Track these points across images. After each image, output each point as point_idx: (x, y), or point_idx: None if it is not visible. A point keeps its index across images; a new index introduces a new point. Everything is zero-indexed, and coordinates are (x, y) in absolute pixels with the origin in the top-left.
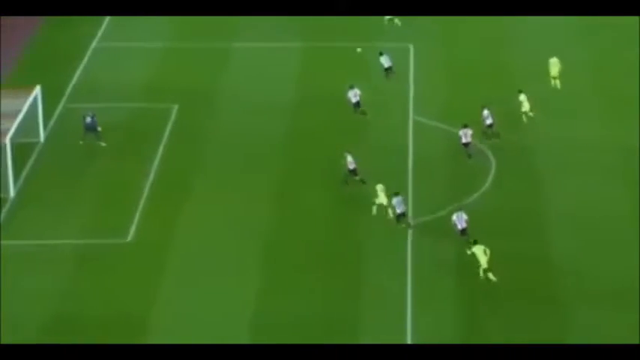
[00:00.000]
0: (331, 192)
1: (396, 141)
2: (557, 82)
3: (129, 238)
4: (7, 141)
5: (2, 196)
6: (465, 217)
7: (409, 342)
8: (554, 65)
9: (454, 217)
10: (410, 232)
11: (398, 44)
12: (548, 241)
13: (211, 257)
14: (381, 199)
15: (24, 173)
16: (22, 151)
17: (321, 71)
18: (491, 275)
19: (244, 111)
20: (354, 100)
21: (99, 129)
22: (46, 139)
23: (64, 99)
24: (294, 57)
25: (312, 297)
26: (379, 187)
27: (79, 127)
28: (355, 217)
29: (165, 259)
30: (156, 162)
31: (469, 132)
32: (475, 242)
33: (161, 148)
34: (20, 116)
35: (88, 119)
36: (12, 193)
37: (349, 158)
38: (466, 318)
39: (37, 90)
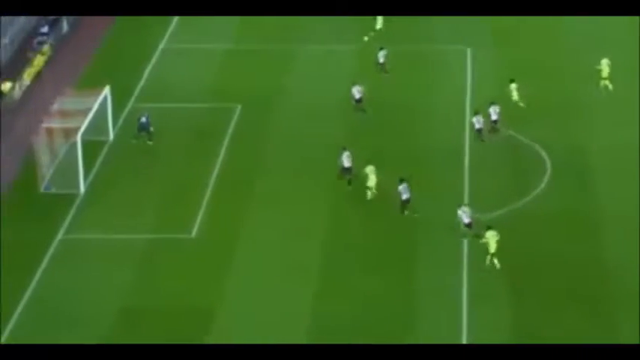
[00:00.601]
0: (389, 192)
1: (452, 141)
2: (608, 83)
3: (193, 234)
4: (78, 138)
5: (73, 192)
6: (469, 211)
7: (464, 342)
8: (605, 66)
9: (459, 211)
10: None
11: (455, 47)
12: (601, 243)
13: (271, 256)
14: (372, 181)
15: (93, 170)
16: (92, 148)
17: (379, 73)
18: (496, 261)
19: (306, 112)
20: (357, 96)
21: (151, 129)
22: (115, 137)
23: (132, 99)
24: (355, 59)
25: (369, 297)
26: (369, 169)
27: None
28: (412, 218)
29: (228, 255)
30: (219, 161)
31: (481, 119)
32: (489, 228)
33: (224, 148)
34: (90, 115)
35: (143, 119)
36: (82, 189)
37: (345, 155)
38: (519, 318)
39: (107, 90)
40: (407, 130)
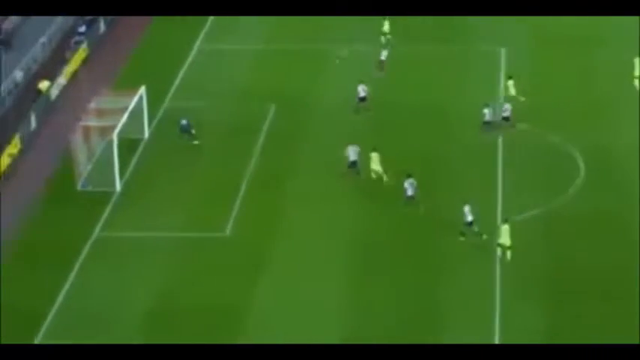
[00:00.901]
0: (420, 193)
1: (485, 142)
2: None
3: (227, 233)
4: (115, 137)
5: (109, 190)
6: (470, 210)
7: (497, 342)
8: (638, 65)
9: (465, 209)
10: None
11: (490, 47)
12: (635, 244)
13: (304, 255)
14: (375, 165)
15: (129, 168)
16: (127, 147)
17: (414, 74)
18: (509, 254)
19: (339, 112)
20: (362, 94)
21: (192, 131)
22: (150, 136)
23: (168, 98)
24: (390, 59)
25: (401, 297)
26: (374, 155)
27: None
28: (446, 219)
29: (262, 254)
30: (253, 160)
31: (490, 111)
32: (506, 221)
33: (258, 147)
34: (127, 114)
35: (184, 122)
36: (118, 187)
37: (352, 150)
38: (552, 319)
39: (143, 89)
40: (439, 131)
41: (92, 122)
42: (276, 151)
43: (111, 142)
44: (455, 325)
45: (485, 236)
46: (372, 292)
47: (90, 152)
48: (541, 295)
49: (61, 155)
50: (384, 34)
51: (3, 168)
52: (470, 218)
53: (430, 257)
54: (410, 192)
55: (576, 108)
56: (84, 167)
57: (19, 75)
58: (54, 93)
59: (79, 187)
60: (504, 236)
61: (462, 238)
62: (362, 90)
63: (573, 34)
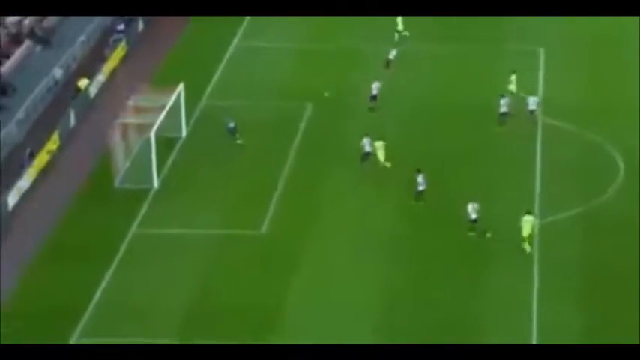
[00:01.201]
0: (457, 194)
1: (525, 142)
2: None
3: (263, 230)
4: (152, 134)
5: (146, 187)
6: (478, 208)
7: (534, 342)
8: None
9: (469, 207)
10: (536, 232)
11: (529, 47)
12: None
13: (340, 254)
14: (381, 156)
15: (166, 166)
16: (165, 145)
17: (452, 75)
18: (527, 245)
19: (376, 112)
20: (374, 92)
21: (237, 135)
22: (188, 134)
23: (205, 96)
24: (430, 59)
25: (437, 298)
26: (379, 144)
27: (218, 123)
28: (481, 216)
29: (297, 252)
30: (290, 158)
31: (507, 101)
32: (529, 213)
33: (295, 145)
34: (164, 112)
35: (231, 125)
36: (155, 184)
37: (366, 141)
38: (589, 319)
39: (181, 87)
40: (477, 131)
41: (130, 120)
42: (313, 149)
43: (148, 140)
44: (492, 326)
45: (489, 234)
46: (410, 291)
47: (128, 150)
48: (578, 295)
49: (100, 153)
50: (399, 32)
51: (42, 165)
52: (474, 216)
53: (468, 257)
54: (421, 187)
55: (616, 108)
56: (122, 164)
57: (58, 73)
58: (93, 91)
59: (116, 185)
60: (525, 227)
61: (471, 233)
62: (375, 88)
63: (614, 33)
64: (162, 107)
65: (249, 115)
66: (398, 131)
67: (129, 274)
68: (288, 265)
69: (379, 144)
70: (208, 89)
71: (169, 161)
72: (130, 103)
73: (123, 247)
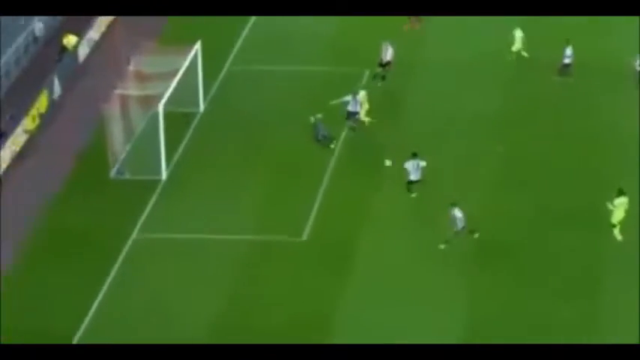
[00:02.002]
0: (559, 187)
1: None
2: None
3: (304, 237)
4: (160, 109)
5: (152, 178)
6: (462, 216)
7: None
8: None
9: (453, 212)
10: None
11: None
12: None
13: (390, 265)
14: (364, 107)
15: (179, 151)
16: (177, 123)
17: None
18: (618, 233)
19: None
20: (387, 58)
21: (325, 133)
22: (206, 109)
23: (230, 59)
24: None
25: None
26: (361, 95)
27: (246, 95)
28: (587, 214)
29: (344, 260)
30: (338, 142)
31: (570, 52)
32: (621, 193)
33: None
34: (176, 79)
35: (322, 131)
36: (164, 175)
37: (352, 99)
38: None
39: (197, 47)
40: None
41: (131, 90)
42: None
43: (156, 117)
44: (605, 326)
45: (476, 234)
46: (488, 290)
47: (128, 129)
48: None
49: (91, 132)
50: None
51: (18, 147)
52: (460, 225)
53: (575, 255)
54: (413, 176)
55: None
56: (120, 149)
57: (38, 27)
58: (82, 51)
59: (112, 175)
60: (617, 212)
61: (476, 235)
62: (387, 52)
63: None
64: (174, 73)
65: (287, 83)
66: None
67: (128, 292)
68: (335, 275)
69: (362, 94)
70: (234, 49)
71: (182, 144)
72: (131, 68)
73: (121, 257)
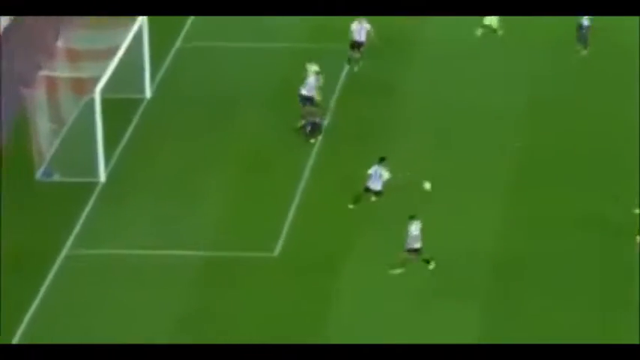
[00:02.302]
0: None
1: None
2: None
3: (276, 253)
4: (97, 95)
5: (88, 180)
6: (418, 234)
7: None
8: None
9: (412, 227)
10: None
11: None
12: None
13: (377, 285)
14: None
15: (120, 146)
16: (118, 112)
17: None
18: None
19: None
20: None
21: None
22: (154, 95)
23: (181, 35)
24: None
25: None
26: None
27: (202, 78)
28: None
29: (323, 280)
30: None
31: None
32: None
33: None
34: (116, 59)
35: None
36: (102, 176)
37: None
38: None
39: (142, 21)
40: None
41: (61, 71)
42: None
43: (91, 104)
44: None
45: (432, 265)
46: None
47: (57, 120)
48: None
49: (10, 125)
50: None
51: None
52: (416, 245)
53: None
54: (374, 184)
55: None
56: (47, 144)
57: None
58: (2, 24)
59: (38, 176)
60: None
61: (431, 266)
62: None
63: None
64: (113, 52)
65: (251, 63)
66: None
67: (52, 322)
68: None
69: (311, 68)
70: (187, 24)
71: (124, 139)
72: (60, 44)
73: (50, 276)
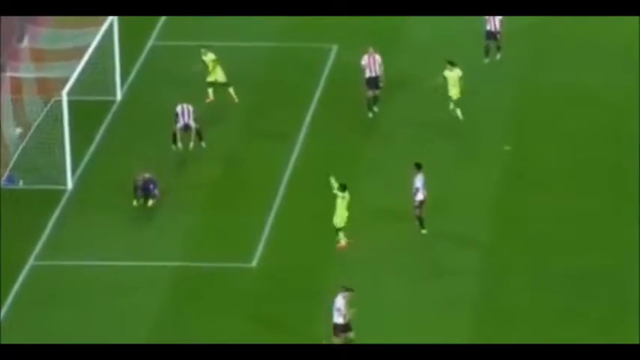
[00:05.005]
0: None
1: None
2: None
3: (254, 263)
4: (64, 98)
5: (54, 187)
6: (345, 305)
7: None
8: None
9: (339, 298)
10: None
11: None
12: None
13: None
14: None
15: (89, 152)
16: (87, 115)
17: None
18: None
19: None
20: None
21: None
22: (125, 97)
23: (154, 33)
24: None
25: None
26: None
27: (175, 79)
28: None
29: (305, 292)
30: (296, 148)
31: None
32: None
33: (310, 114)
34: (84, 59)
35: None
36: (70, 183)
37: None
38: None
39: (113, 20)
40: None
41: (25, 72)
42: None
43: (58, 107)
44: None
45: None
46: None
47: (21, 124)
48: None
49: None
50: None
51: None
52: (340, 320)
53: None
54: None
55: None
56: (12, 149)
57: None
58: None
59: (2, 184)
60: None
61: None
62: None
63: None
64: (82, 52)
65: (230, 62)
66: None
67: (17, 339)
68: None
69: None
70: (159, 21)
71: (94, 143)
72: (25, 44)
73: (14, 290)
